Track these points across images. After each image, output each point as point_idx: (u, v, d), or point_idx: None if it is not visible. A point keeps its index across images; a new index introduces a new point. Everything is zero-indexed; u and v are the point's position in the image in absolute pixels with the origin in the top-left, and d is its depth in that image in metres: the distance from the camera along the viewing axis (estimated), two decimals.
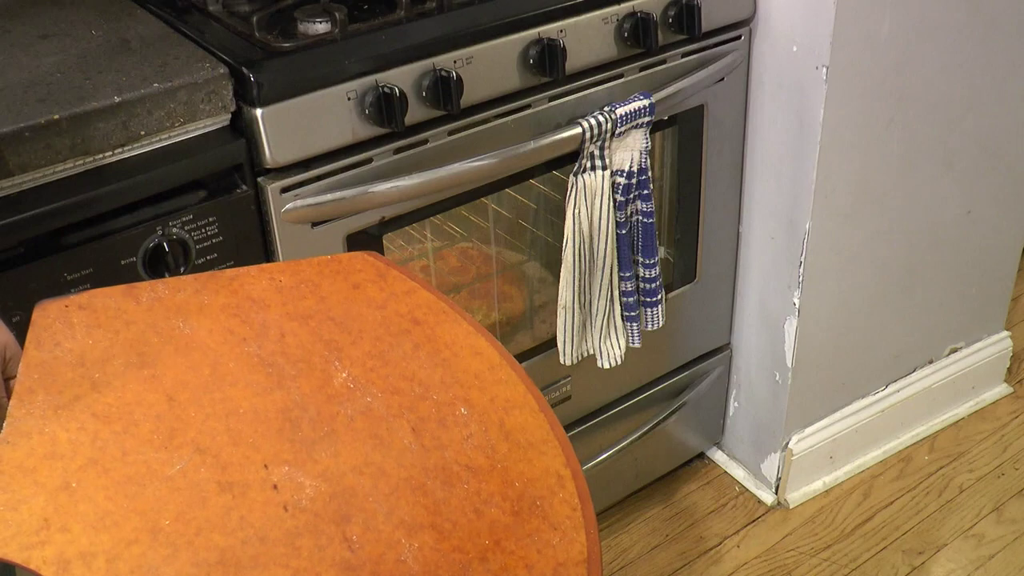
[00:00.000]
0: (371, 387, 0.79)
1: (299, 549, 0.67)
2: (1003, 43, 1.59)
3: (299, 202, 1.14)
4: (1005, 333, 1.98)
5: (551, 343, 1.48)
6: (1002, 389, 2.02)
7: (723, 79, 1.47)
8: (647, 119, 1.34)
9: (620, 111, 1.32)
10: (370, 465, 0.73)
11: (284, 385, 0.79)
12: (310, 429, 0.75)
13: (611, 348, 1.49)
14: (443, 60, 1.18)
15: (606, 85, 1.34)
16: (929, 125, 1.58)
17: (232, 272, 0.89)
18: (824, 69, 1.41)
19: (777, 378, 1.71)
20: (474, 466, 0.74)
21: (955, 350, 1.92)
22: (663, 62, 1.39)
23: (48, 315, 0.83)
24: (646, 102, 1.33)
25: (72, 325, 0.82)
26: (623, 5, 1.31)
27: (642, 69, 1.37)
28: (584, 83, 1.33)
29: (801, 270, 1.58)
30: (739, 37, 1.46)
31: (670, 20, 1.35)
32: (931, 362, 1.90)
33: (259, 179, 1.13)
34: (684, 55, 1.41)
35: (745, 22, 1.46)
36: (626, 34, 1.32)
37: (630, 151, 1.35)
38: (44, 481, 0.69)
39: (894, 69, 1.48)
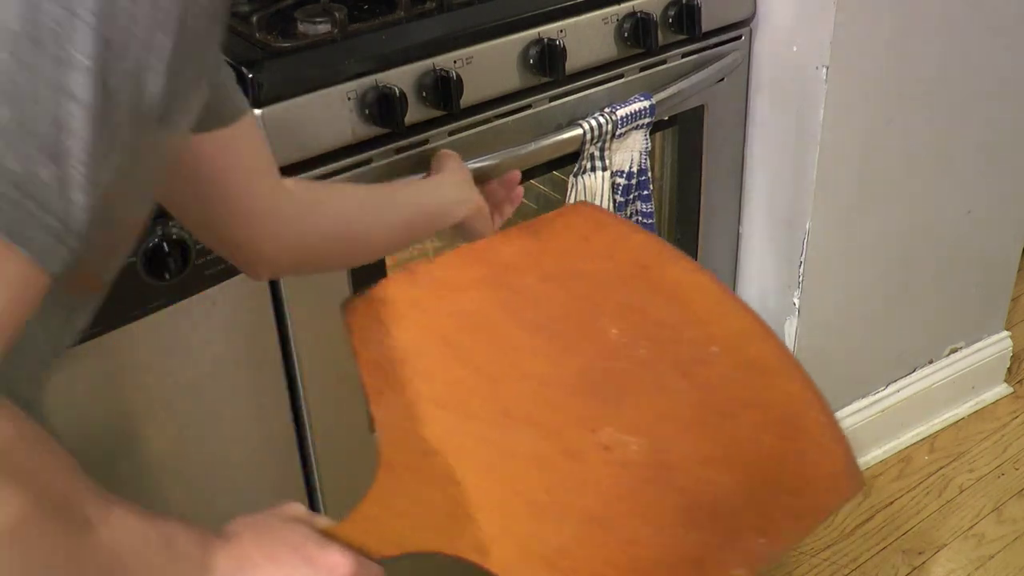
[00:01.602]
0: (637, 337, 0.81)
1: (646, 503, 0.70)
2: (1003, 43, 1.59)
3: None
4: (1005, 333, 1.98)
5: None
6: (1002, 389, 2.02)
7: (723, 79, 1.46)
8: (647, 120, 1.34)
9: (621, 112, 1.32)
10: (664, 413, 0.76)
11: (570, 348, 0.81)
12: (609, 387, 0.78)
13: None
14: (443, 60, 1.18)
15: (606, 86, 1.34)
16: (929, 125, 1.58)
17: (481, 244, 0.91)
18: (824, 69, 1.41)
19: None
20: (739, 398, 0.77)
21: (955, 350, 1.92)
22: (663, 62, 1.39)
23: (358, 313, 0.85)
24: (647, 103, 1.33)
25: (381, 320, 0.84)
26: (623, 5, 1.31)
27: (642, 69, 1.37)
28: (584, 83, 1.33)
29: (801, 270, 1.58)
30: (739, 37, 1.46)
31: (670, 20, 1.35)
32: (931, 362, 1.90)
33: None
34: (684, 55, 1.40)
35: (745, 22, 1.46)
36: (626, 34, 1.32)
37: (630, 152, 1.35)
38: (434, 476, 0.71)
39: (894, 69, 1.48)
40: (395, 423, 0.75)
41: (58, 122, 0.47)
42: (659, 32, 1.33)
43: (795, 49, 1.44)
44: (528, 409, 0.76)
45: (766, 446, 0.74)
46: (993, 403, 2.00)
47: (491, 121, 1.26)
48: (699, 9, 1.35)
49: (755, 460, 0.73)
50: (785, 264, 1.60)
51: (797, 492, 0.73)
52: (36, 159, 0.47)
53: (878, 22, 1.42)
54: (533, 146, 1.28)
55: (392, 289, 0.86)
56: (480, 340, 0.82)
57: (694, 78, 1.40)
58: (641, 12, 1.32)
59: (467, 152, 1.23)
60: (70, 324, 0.69)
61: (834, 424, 0.76)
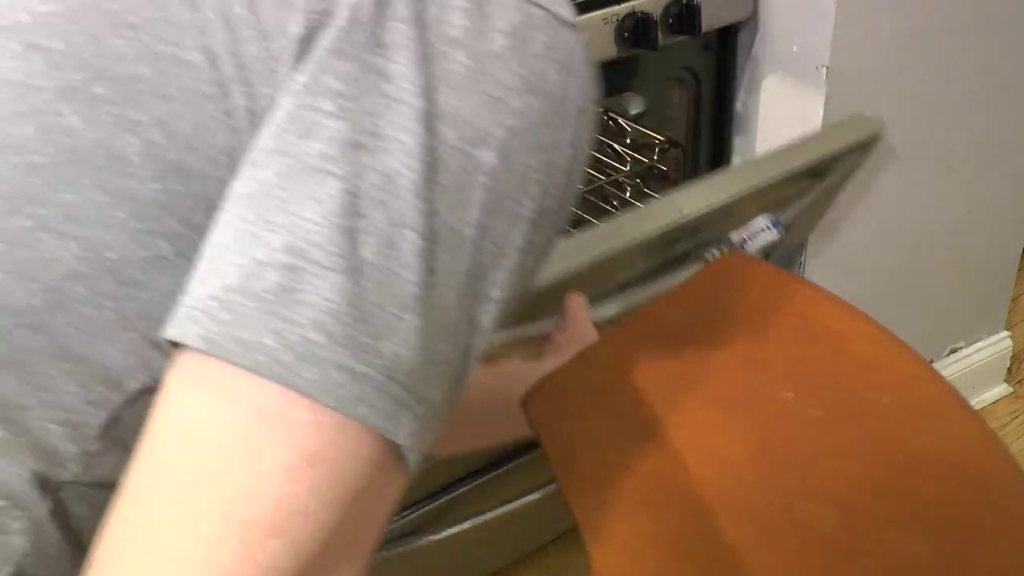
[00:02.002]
0: (811, 397, 0.78)
1: None
2: (1004, 43, 1.59)
3: None
4: (1005, 333, 1.98)
5: None
6: (1002, 389, 2.02)
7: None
8: (775, 249, 1.25)
9: (751, 247, 1.22)
10: (849, 476, 0.73)
11: (751, 419, 0.78)
12: (792, 456, 0.75)
13: None
14: None
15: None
16: (929, 125, 1.58)
17: (646, 314, 0.88)
18: (824, 69, 1.41)
19: None
20: (918, 450, 0.74)
21: (955, 350, 1.92)
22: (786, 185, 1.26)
23: (539, 407, 0.80)
24: (775, 235, 1.22)
25: (565, 412, 0.80)
26: (623, 5, 1.31)
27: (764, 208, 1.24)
28: (701, 220, 1.17)
29: (801, 271, 1.58)
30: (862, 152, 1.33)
31: (670, 20, 1.35)
32: (931, 362, 1.90)
33: None
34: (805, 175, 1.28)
35: (747, 22, 1.46)
36: (626, 34, 1.32)
37: None
38: None
39: (894, 69, 1.48)
40: (600, 526, 0.72)
41: (466, 352, 0.48)
42: (659, 32, 1.33)
43: (795, 49, 1.44)
44: (722, 491, 0.73)
45: (954, 500, 0.71)
46: (993, 403, 2.00)
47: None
48: (699, 9, 1.35)
49: (945, 517, 0.70)
50: (785, 266, 1.60)
51: (993, 548, 0.69)
52: (446, 388, 0.47)
53: (878, 22, 1.42)
54: (656, 289, 1.17)
55: (568, 376, 0.82)
56: (665, 422, 0.78)
57: (813, 194, 1.29)
58: (641, 12, 1.32)
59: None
60: None
61: (1016, 466, 0.72)
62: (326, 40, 0.46)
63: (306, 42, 0.46)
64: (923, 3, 1.45)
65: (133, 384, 0.47)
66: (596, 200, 1.59)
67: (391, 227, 0.44)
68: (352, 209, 0.43)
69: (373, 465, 0.44)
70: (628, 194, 1.61)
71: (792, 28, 1.44)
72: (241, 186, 0.45)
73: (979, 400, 1.99)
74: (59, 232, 0.45)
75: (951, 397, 0.78)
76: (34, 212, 0.45)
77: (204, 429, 0.42)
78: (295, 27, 0.46)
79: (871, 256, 1.66)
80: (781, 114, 1.50)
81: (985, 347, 1.96)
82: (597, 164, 1.58)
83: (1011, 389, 2.02)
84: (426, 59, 0.46)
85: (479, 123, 0.46)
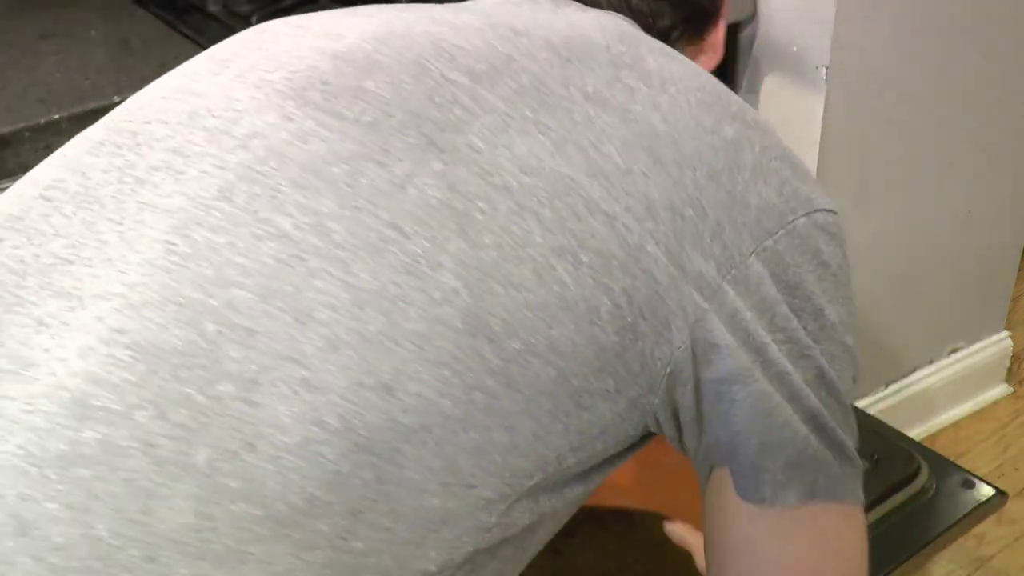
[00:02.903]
0: None
1: None
2: (1003, 43, 1.59)
3: None
4: (1005, 333, 1.98)
5: None
6: (1002, 389, 2.02)
7: None
8: None
9: None
10: None
11: None
12: None
13: None
14: None
15: None
16: (929, 125, 1.58)
17: None
18: (824, 69, 1.41)
19: None
20: None
21: (955, 350, 1.92)
22: None
23: None
24: None
25: None
26: None
27: None
28: None
29: None
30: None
31: None
32: (931, 362, 1.89)
33: None
34: None
35: (747, 21, 1.46)
36: None
37: None
38: None
39: (894, 69, 1.48)
40: None
41: None
42: None
43: (795, 49, 1.44)
44: None
45: None
46: (993, 403, 2.00)
47: None
48: None
49: None
50: None
51: None
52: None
53: (878, 22, 1.42)
54: None
55: None
56: None
57: None
58: None
59: None
60: None
61: None
62: (758, 295, 0.66)
63: (722, 292, 0.64)
64: (923, 3, 1.45)
65: (539, 476, 0.61)
66: None
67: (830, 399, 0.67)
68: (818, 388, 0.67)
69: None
70: None
71: (792, 28, 1.44)
72: (742, 396, 0.64)
73: (979, 400, 1.99)
74: (544, 358, 0.58)
75: None
76: (526, 339, 0.58)
77: (812, 542, 0.65)
78: (712, 272, 0.64)
79: (871, 256, 1.66)
80: (781, 114, 1.50)
81: (985, 347, 1.96)
82: None
83: (1011, 389, 2.02)
84: (820, 289, 0.72)
85: (846, 319, 0.70)
